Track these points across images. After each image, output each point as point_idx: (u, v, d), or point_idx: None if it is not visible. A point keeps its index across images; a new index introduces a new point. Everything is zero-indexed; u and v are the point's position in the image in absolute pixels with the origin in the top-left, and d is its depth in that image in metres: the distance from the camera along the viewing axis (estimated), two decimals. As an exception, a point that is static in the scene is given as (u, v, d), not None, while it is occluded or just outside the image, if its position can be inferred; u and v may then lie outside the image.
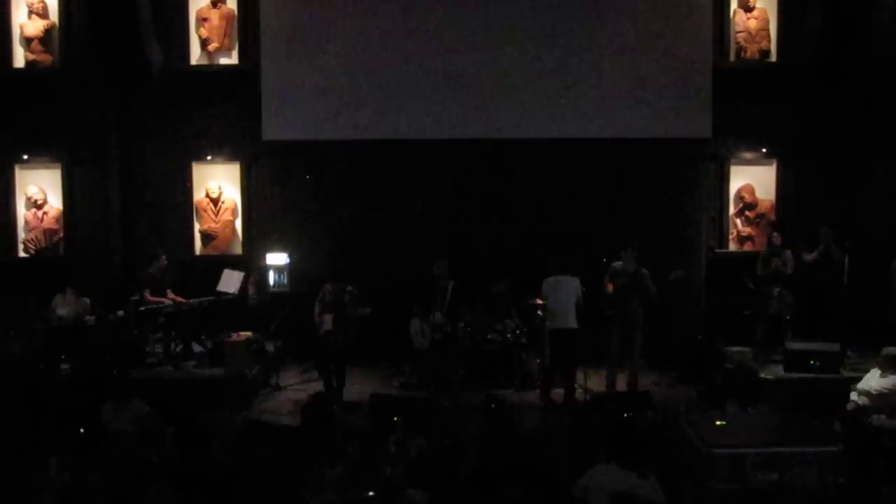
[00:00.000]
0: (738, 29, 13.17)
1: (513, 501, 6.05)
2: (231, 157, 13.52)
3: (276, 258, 12.58)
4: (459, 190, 13.16)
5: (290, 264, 12.52)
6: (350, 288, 11.26)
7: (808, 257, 12.04)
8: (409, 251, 12.63)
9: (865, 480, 7.52)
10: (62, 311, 11.43)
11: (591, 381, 10.99)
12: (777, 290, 11.90)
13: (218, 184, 13.46)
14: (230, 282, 12.37)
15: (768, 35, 13.16)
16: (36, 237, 13.21)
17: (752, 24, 13.12)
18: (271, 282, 12.57)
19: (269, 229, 13.39)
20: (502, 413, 7.05)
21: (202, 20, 13.30)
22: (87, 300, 11.62)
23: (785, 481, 6.99)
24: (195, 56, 13.37)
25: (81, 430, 7.75)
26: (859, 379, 9.55)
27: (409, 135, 12.94)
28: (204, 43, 13.30)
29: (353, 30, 12.88)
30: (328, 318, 11.11)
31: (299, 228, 13.23)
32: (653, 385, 11.47)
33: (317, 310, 11.26)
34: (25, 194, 13.38)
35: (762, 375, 10.89)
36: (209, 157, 13.46)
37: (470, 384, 11.46)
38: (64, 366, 11.12)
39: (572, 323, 10.78)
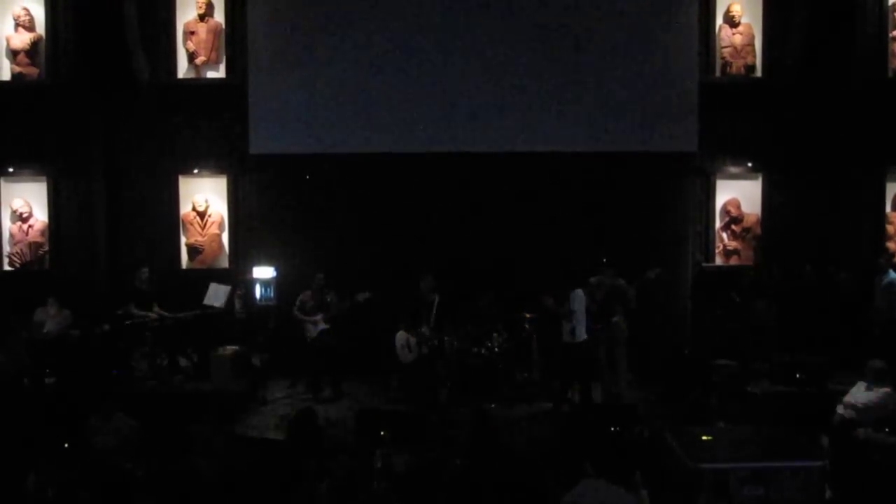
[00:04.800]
0: (723, 44, 13.23)
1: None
2: (218, 171, 13.48)
3: (263, 272, 12.50)
4: (446, 203, 13.12)
5: (277, 278, 12.46)
6: (329, 291, 11.76)
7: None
8: (395, 264, 12.59)
9: (851, 494, 7.54)
10: (48, 325, 11.34)
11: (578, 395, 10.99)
12: (763, 303, 11.93)
13: (205, 197, 13.42)
14: (217, 295, 12.31)
15: (753, 50, 13.22)
16: (21, 250, 13.15)
17: (738, 39, 13.19)
18: (258, 295, 12.46)
19: (255, 243, 13.31)
20: (489, 427, 7.04)
21: (189, 34, 13.29)
22: (69, 311, 11.53)
23: (771, 496, 7.00)
24: (182, 69, 13.35)
25: (66, 445, 7.71)
26: (845, 392, 9.57)
27: (395, 148, 12.87)
28: (191, 56, 13.28)
29: (340, 45, 12.85)
30: (319, 318, 11.66)
31: (286, 242, 13.13)
32: (640, 399, 11.47)
33: (299, 318, 11.73)
34: (11, 207, 13.29)
35: (748, 389, 10.91)
36: (196, 171, 13.42)
37: (456, 398, 11.46)
38: (49, 380, 11.08)
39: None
